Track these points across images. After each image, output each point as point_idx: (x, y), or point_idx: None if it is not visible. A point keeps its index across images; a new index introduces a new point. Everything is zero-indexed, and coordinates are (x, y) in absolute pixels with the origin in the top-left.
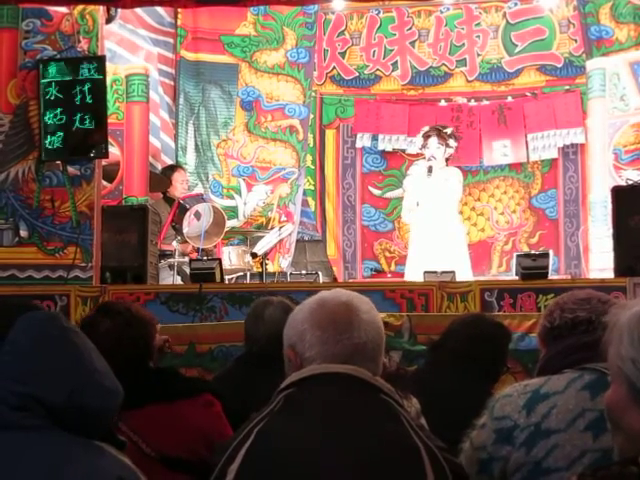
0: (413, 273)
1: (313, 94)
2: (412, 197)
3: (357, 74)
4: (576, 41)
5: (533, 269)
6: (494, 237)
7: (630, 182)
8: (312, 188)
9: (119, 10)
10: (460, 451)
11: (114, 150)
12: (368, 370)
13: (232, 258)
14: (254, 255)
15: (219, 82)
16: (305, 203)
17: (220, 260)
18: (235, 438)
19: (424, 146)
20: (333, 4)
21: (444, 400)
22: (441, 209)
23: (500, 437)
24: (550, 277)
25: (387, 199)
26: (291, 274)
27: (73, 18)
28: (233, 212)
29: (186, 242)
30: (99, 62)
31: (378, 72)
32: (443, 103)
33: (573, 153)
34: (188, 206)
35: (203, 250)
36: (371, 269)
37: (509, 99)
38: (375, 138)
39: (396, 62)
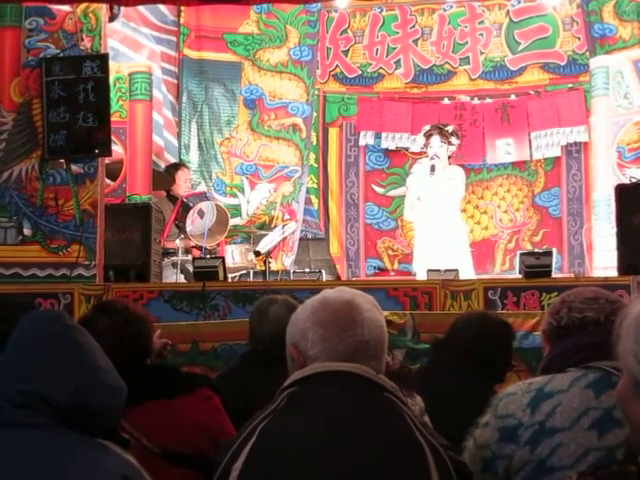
0: (422, 271)
1: (316, 92)
2: (414, 195)
3: (360, 72)
4: (579, 39)
5: (536, 267)
6: (497, 235)
7: (633, 180)
8: (315, 186)
9: (122, 8)
10: (463, 449)
11: (117, 148)
12: (371, 368)
13: (235, 256)
14: (257, 253)
15: (222, 80)
16: (308, 201)
17: (223, 258)
18: (239, 436)
19: (426, 145)
20: (336, 2)
21: (448, 398)
22: (443, 208)
23: (504, 435)
24: (554, 275)
25: (390, 197)
26: (294, 272)
27: (76, 16)
28: (236, 210)
29: (188, 239)
30: (102, 60)
31: (381, 70)
32: (446, 101)
33: (576, 151)
34: (191, 204)
35: (206, 248)
36: (374, 267)
37: (512, 97)
38: (378, 136)
39: (399, 60)
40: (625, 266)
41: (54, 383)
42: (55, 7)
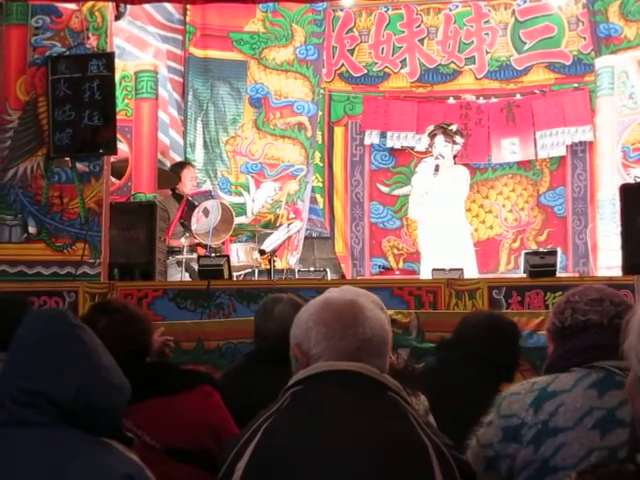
0: (427, 270)
1: (322, 91)
2: (420, 193)
3: (366, 71)
4: (585, 39)
5: (541, 267)
6: (502, 235)
7: (638, 180)
8: (320, 185)
9: (128, 7)
10: (466, 448)
11: (123, 147)
12: (375, 367)
13: (240, 255)
14: (262, 252)
15: (228, 79)
16: (313, 200)
17: (228, 257)
18: (243, 435)
19: (431, 145)
20: (342, 1)
21: (457, 398)
22: (448, 207)
23: (507, 435)
24: (558, 275)
25: (395, 196)
26: (299, 271)
27: (82, 15)
28: (241, 209)
29: (193, 237)
30: (108, 59)
31: (387, 69)
32: (452, 101)
33: (582, 151)
34: (197, 203)
35: (211, 247)
36: (379, 266)
37: (518, 97)
38: (383, 135)
39: (405, 59)
40: (629, 266)
41: (58, 382)
42: (61, 5)
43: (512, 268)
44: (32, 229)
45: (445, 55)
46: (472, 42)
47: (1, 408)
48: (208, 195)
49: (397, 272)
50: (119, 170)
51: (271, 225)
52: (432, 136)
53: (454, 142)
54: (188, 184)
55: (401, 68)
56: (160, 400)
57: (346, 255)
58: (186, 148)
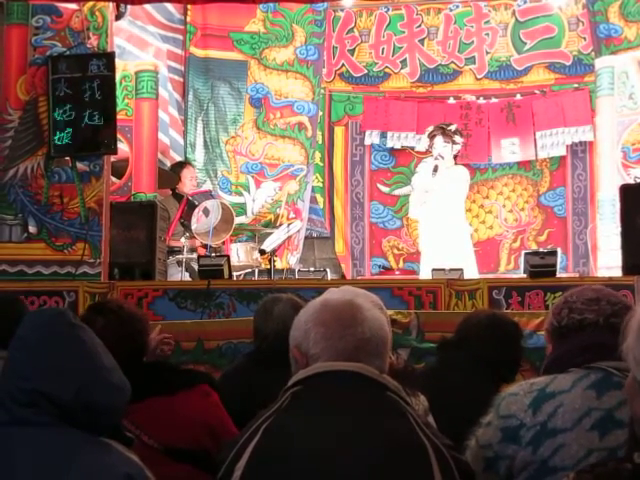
0: (427, 271)
1: (322, 91)
2: (420, 193)
3: (366, 71)
4: (585, 39)
5: (541, 267)
6: (502, 235)
7: (638, 180)
8: (320, 185)
9: (128, 7)
10: (465, 448)
11: (123, 146)
12: (374, 366)
13: (240, 255)
14: (262, 252)
15: (228, 79)
16: (313, 200)
17: (228, 257)
18: (242, 435)
19: (431, 146)
20: (342, 1)
21: (458, 398)
22: (447, 208)
23: (506, 436)
24: (558, 275)
25: (396, 196)
26: (299, 271)
27: (83, 15)
28: (241, 209)
29: (194, 238)
30: (108, 59)
31: (387, 69)
32: (452, 101)
33: (582, 151)
34: (197, 203)
35: (211, 247)
36: (379, 266)
37: (518, 97)
38: (384, 135)
39: (405, 60)
40: (629, 266)
41: (58, 382)
42: (62, 5)
43: (512, 268)
44: (32, 229)
45: (445, 55)
46: (472, 42)
47: (1, 408)
48: (208, 195)
49: (397, 272)
50: (119, 170)
51: (271, 225)
52: (431, 137)
53: (453, 142)
54: (188, 184)
55: (401, 68)
56: (159, 400)
57: (346, 255)
58: (186, 148)
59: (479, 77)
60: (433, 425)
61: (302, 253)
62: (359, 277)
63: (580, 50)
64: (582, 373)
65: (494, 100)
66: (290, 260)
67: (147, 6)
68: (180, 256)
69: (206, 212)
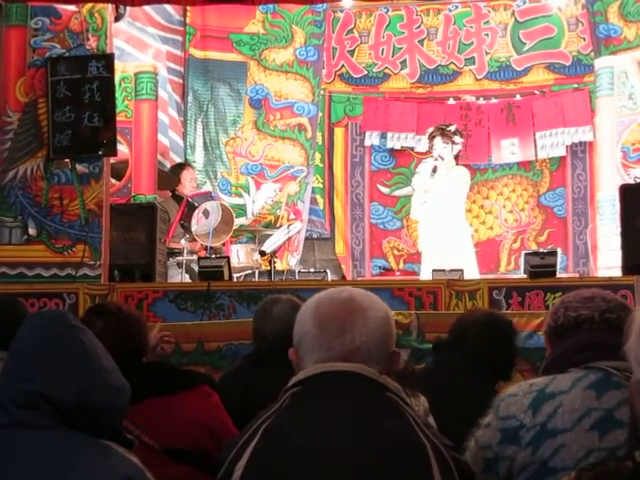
0: (427, 271)
1: (322, 92)
2: (421, 193)
3: (366, 72)
4: (584, 39)
5: (541, 267)
6: (502, 235)
7: (638, 180)
8: (321, 186)
9: (128, 8)
10: (465, 449)
11: (123, 148)
12: (374, 368)
13: (240, 256)
14: (262, 253)
15: (228, 80)
16: (314, 201)
17: (228, 258)
18: (242, 436)
19: (431, 147)
20: (342, 2)
21: (455, 398)
22: (447, 208)
23: (506, 437)
24: (558, 275)
25: (396, 197)
26: (299, 272)
27: (82, 16)
28: (241, 210)
29: (195, 240)
30: (108, 60)
31: (387, 70)
32: (452, 101)
33: (581, 151)
34: (197, 204)
35: (211, 248)
36: (379, 267)
37: (518, 97)
38: (384, 136)
39: (405, 60)
40: (629, 266)
41: (58, 384)
42: (61, 7)
43: (512, 269)
44: (32, 231)
45: (445, 56)
46: (472, 43)
47: (0, 410)
48: (208, 196)
49: (397, 273)
50: (119, 171)
51: (271, 226)
52: (431, 138)
53: (453, 142)
54: (188, 185)
55: (401, 69)
56: (159, 400)
57: (346, 256)
58: (186, 149)
59: (479, 78)
60: (433, 426)
61: (302, 254)
62: (359, 278)
63: (580, 50)
64: (581, 373)
65: (494, 100)
66: (290, 261)
67: (146, 7)
68: (180, 258)
69: (206, 214)
